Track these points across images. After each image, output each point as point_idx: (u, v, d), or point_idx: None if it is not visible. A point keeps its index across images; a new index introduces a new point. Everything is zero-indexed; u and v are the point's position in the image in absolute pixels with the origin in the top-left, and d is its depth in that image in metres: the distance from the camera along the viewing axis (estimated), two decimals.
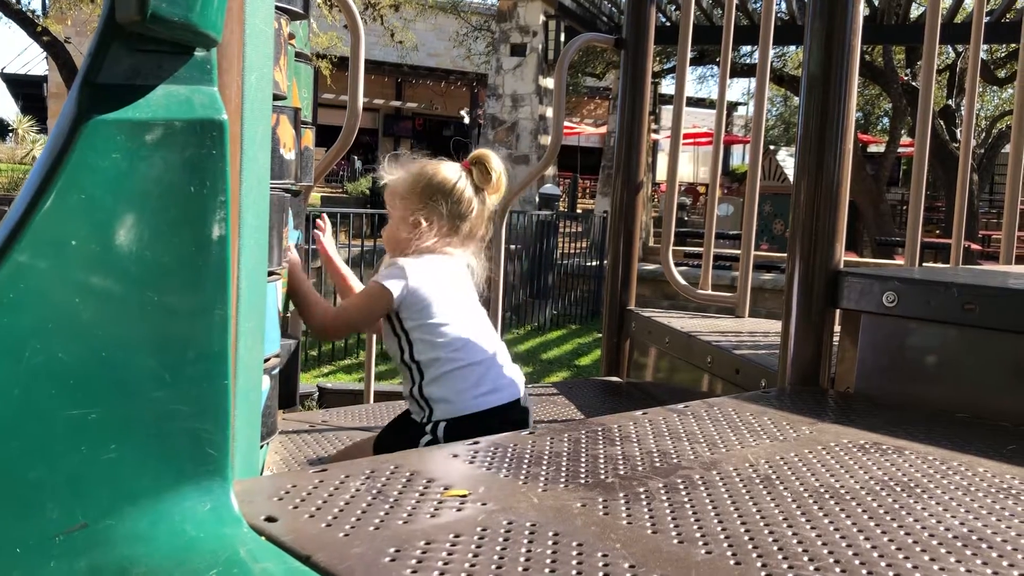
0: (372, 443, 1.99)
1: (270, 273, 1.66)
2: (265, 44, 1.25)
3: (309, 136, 2.07)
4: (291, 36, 1.90)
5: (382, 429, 2.07)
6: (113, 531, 0.93)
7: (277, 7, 1.62)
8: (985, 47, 11.83)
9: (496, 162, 1.99)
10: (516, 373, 1.95)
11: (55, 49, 14.14)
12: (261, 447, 1.64)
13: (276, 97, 1.61)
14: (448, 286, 1.91)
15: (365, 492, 1.14)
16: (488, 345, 1.92)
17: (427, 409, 1.88)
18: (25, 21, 13.96)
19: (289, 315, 2.12)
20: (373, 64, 21.69)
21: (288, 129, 1.79)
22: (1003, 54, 14.29)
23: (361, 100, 2.57)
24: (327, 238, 2.17)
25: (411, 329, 1.88)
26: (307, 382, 5.58)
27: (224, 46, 1.08)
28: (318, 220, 2.20)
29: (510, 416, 1.88)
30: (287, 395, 1.99)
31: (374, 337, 3.14)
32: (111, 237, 0.91)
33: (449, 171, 1.97)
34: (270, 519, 1.04)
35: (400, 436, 1.90)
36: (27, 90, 26.42)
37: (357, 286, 2.16)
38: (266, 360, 1.67)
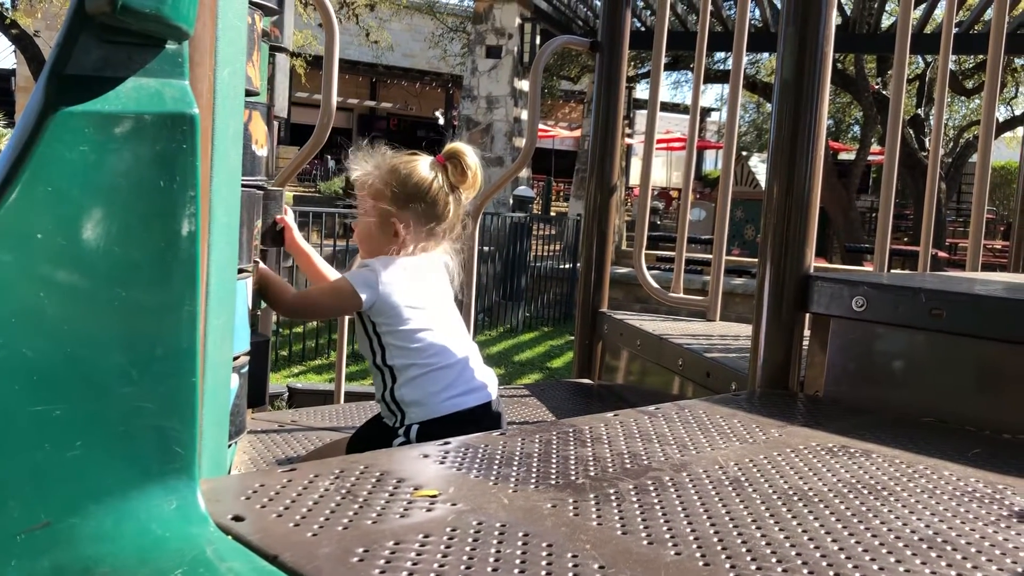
0: (344, 445, 1.98)
1: (240, 270, 1.64)
2: (238, 39, 1.24)
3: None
4: (265, 33, 1.89)
5: (354, 432, 2.05)
6: (77, 530, 0.91)
7: (251, 2, 1.61)
8: (954, 58, 12.03)
9: (471, 158, 1.94)
10: (489, 376, 1.94)
11: (23, 43, 13.96)
12: (229, 446, 1.63)
13: (249, 93, 1.60)
14: (421, 289, 1.88)
15: (334, 492, 1.13)
16: (461, 347, 1.90)
17: (399, 413, 1.86)
18: None
19: (259, 313, 2.10)
20: (348, 63, 21.62)
21: (260, 125, 1.78)
22: (971, 65, 14.52)
23: (335, 99, 2.56)
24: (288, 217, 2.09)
25: (383, 334, 1.85)
26: (277, 382, 5.53)
27: (196, 40, 1.07)
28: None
29: (483, 418, 1.87)
30: (256, 394, 1.97)
31: (345, 338, 3.13)
32: (78, 231, 0.90)
33: (424, 170, 1.91)
34: (237, 518, 1.03)
35: (373, 440, 1.89)
36: None
37: (324, 267, 2.11)
38: (235, 358, 1.65)
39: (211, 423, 1.21)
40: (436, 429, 1.80)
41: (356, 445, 1.93)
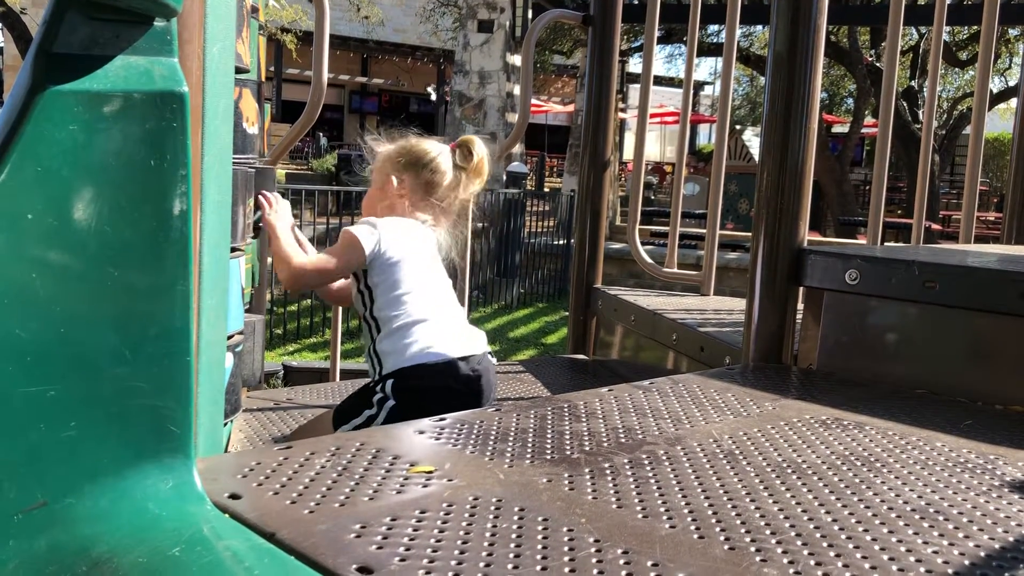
0: (329, 418, 1.99)
1: (233, 249, 1.64)
2: (227, 15, 1.23)
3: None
4: (255, 9, 1.87)
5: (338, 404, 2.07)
6: (73, 509, 0.92)
7: None
8: (947, 29, 11.97)
9: (480, 146, 2.07)
10: (474, 334, 1.98)
11: (10, 20, 13.81)
12: (225, 425, 1.63)
13: (239, 70, 1.58)
14: (412, 247, 1.95)
15: (330, 469, 1.14)
16: (445, 307, 1.96)
17: (379, 366, 1.90)
18: None
19: (253, 291, 2.10)
20: (338, 39, 21.43)
21: (251, 103, 1.77)
22: (965, 36, 14.48)
23: (326, 75, 2.54)
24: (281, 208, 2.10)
25: (374, 285, 1.91)
26: (272, 360, 5.54)
27: (185, 16, 1.06)
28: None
29: (461, 372, 1.88)
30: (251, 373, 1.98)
31: (339, 315, 3.13)
32: (69, 211, 0.89)
33: (431, 144, 2.04)
34: (234, 496, 1.03)
35: (353, 405, 1.93)
36: None
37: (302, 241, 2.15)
38: (229, 337, 1.65)
39: (206, 402, 1.21)
40: (409, 379, 1.83)
41: (339, 415, 1.95)
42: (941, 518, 1.07)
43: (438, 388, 1.85)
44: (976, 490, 1.17)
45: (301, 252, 1.98)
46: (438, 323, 1.92)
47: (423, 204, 2.02)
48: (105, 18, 0.90)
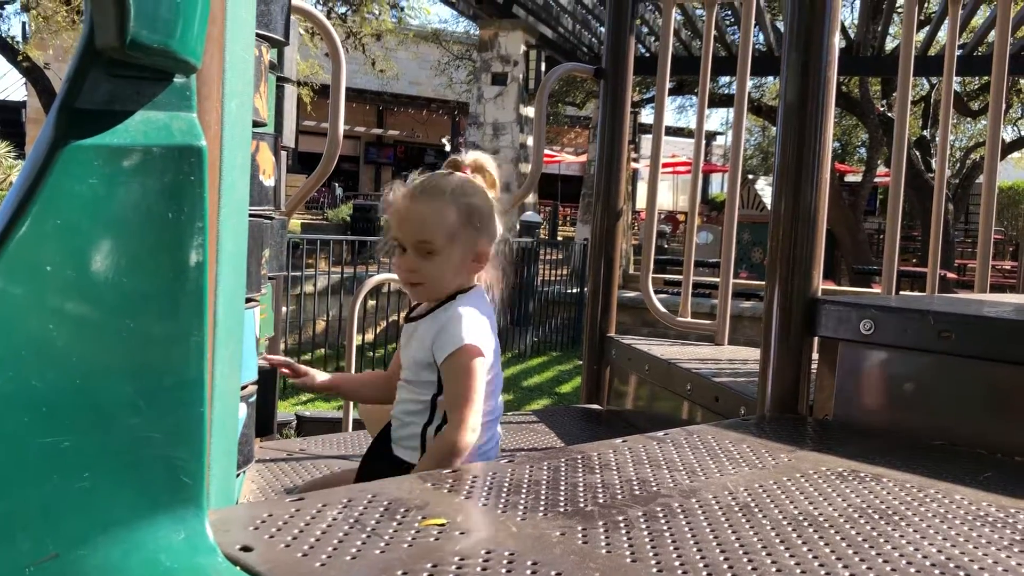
0: (351, 477, 1.93)
1: (248, 299, 1.65)
2: (245, 71, 1.25)
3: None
4: (272, 64, 1.91)
5: (364, 469, 1.93)
6: (85, 561, 0.91)
7: (258, 34, 1.63)
8: (958, 79, 12.05)
9: (490, 161, 1.79)
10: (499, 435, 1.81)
11: (34, 75, 14.11)
12: (237, 476, 1.63)
13: (256, 124, 1.61)
14: (494, 346, 1.69)
15: (342, 521, 1.13)
16: (498, 405, 1.75)
17: (422, 449, 1.67)
18: (4, 47, 13.94)
19: (266, 342, 2.11)
20: (354, 92, 21.78)
21: (268, 156, 1.79)
22: (976, 86, 14.57)
23: (342, 127, 2.58)
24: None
25: None
26: (285, 410, 5.53)
27: (204, 72, 1.08)
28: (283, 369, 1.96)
29: None
30: (264, 423, 1.97)
31: (353, 367, 3.13)
32: (87, 263, 0.90)
33: (477, 189, 1.72)
34: (246, 548, 1.03)
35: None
36: (5, 116, 26.21)
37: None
38: (243, 387, 1.66)
39: (219, 453, 1.21)
40: None
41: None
42: (961, 573, 1.05)
43: None
44: (997, 544, 1.15)
45: (461, 433, 1.56)
46: (490, 428, 1.70)
47: (492, 257, 1.73)
48: (127, 75, 0.92)
